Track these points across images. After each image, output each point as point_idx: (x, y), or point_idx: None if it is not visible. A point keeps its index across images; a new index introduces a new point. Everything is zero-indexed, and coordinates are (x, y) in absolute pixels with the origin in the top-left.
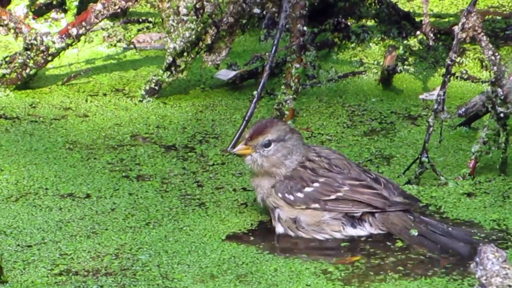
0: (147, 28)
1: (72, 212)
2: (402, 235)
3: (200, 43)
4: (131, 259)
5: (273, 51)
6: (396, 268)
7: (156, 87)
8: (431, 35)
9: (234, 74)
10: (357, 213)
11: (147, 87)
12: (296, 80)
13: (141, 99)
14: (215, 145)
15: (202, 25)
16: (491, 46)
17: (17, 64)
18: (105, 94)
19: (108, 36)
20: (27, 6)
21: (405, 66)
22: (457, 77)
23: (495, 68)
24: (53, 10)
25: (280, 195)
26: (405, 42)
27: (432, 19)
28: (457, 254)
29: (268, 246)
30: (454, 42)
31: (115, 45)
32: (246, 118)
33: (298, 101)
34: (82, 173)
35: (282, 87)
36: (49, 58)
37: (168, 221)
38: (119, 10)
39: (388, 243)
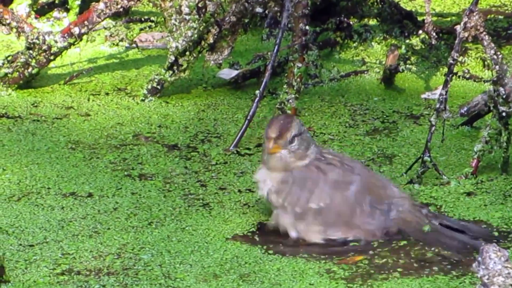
0: (149, 27)
1: (74, 211)
2: (415, 235)
3: (202, 42)
4: (133, 259)
5: (275, 50)
6: (399, 267)
7: (158, 86)
8: (434, 34)
9: (236, 73)
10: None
11: (149, 86)
12: (298, 79)
13: (143, 98)
14: (217, 144)
15: (204, 24)
16: (493, 45)
17: (19, 63)
18: (107, 93)
19: (110, 35)
20: (29, 5)
21: (407, 65)
22: (459, 77)
23: (497, 67)
24: (55, 9)
25: (287, 202)
26: (407, 41)
27: (434, 18)
28: (476, 251)
29: (271, 246)
30: (456, 41)
31: (117, 44)
32: (248, 118)
33: (300, 101)
34: (84, 172)
35: (284, 86)
36: (51, 57)
37: (171, 220)
38: (121, 9)
39: (391, 242)
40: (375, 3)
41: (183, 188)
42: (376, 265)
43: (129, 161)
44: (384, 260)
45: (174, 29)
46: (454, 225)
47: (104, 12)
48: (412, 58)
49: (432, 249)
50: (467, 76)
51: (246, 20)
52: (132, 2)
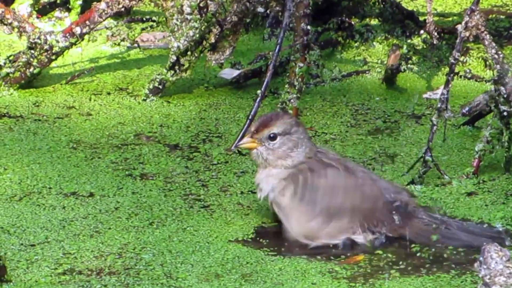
0: (151, 27)
1: (76, 211)
2: (420, 240)
3: (204, 42)
4: (134, 258)
5: (276, 50)
6: (400, 266)
7: (160, 86)
8: (435, 34)
9: (238, 73)
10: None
11: (151, 86)
12: (299, 79)
13: (145, 98)
14: (219, 144)
15: (206, 24)
16: (494, 45)
17: (21, 63)
18: (108, 93)
19: (112, 35)
20: (31, 5)
21: (409, 65)
22: (460, 76)
23: (498, 67)
24: (57, 9)
25: (287, 197)
26: (408, 41)
27: (436, 18)
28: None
29: (273, 246)
30: (458, 41)
31: (119, 44)
32: (250, 117)
33: (301, 100)
34: (86, 172)
35: (286, 86)
36: (53, 57)
37: (172, 220)
38: (123, 9)
39: (392, 242)
40: (377, 3)
41: (184, 188)
42: (377, 264)
43: (131, 161)
44: (386, 259)
45: (175, 29)
46: (459, 229)
47: (105, 11)
48: (414, 58)
49: (434, 248)
50: (469, 75)
51: (248, 20)
52: (134, 2)
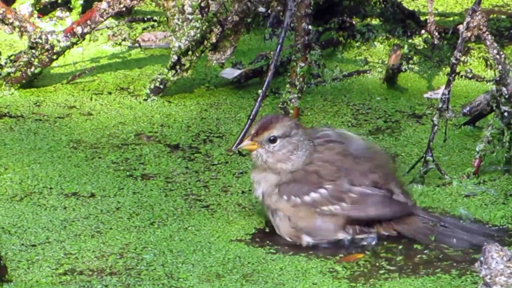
0: (152, 26)
1: (77, 211)
2: (418, 237)
3: (205, 42)
4: (135, 259)
5: (278, 49)
6: (401, 265)
7: (161, 86)
8: (436, 34)
9: (239, 73)
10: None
11: (152, 86)
12: (301, 79)
13: (146, 97)
14: (220, 144)
15: (207, 23)
16: (495, 45)
17: (22, 63)
18: (109, 93)
19: (113, 35)
20: (32, 4)
21: (410, 65)
22: (461, 76)
23: (499, 67)
24: (58, 8)
25: (285, 197)
26: (410, 41)
27: (437, 18)
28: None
29: (274, 246)
30: (459, 41)
31: (120, 44)
32: (251, 117)
33: (302, 100)
34: (87, 172)
35: (287, 86)
36: (54, 57)
37: (173, 220)
38: (124, 9)
39: (393, 241)
40: (378, 3)
41: (185, 188)
42: (378, 264)
43: (131, 161)
44: (386, 259)
45: (177, 29)
46: (457, 228)
47: (106, 11)
48: (415, 58)
49: (434, 248)
50: (470, 75)
51: (249, 20)
52: (135, 2)
